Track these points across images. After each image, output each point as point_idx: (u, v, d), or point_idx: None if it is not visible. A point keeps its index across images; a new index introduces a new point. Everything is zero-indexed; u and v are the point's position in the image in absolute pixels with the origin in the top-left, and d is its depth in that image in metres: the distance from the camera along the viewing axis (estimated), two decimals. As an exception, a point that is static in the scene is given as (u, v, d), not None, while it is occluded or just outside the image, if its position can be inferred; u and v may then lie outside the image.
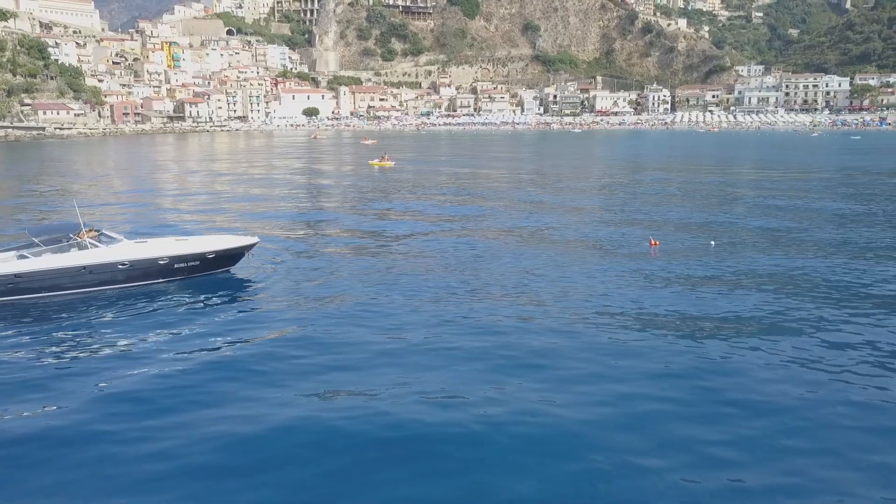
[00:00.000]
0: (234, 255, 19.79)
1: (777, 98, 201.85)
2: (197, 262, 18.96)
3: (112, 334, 14.62)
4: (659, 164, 64.38)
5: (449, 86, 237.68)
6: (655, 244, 22.40)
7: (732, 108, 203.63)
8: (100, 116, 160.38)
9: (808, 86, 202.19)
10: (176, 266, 18.64)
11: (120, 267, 17.89)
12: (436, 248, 23.09)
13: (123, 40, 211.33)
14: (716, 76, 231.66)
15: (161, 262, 18.39)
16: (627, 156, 78.46)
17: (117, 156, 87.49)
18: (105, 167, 67.66)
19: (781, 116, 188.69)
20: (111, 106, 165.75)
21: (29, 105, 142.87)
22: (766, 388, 11.21)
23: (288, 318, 15.58)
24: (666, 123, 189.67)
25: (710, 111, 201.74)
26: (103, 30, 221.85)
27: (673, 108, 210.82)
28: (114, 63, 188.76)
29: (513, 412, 10.43)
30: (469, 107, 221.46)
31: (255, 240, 20.30)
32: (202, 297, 17.43)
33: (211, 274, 19.34)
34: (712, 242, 22.57)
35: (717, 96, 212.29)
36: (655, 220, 28.67)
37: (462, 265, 20.46)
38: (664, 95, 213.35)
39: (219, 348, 13.70)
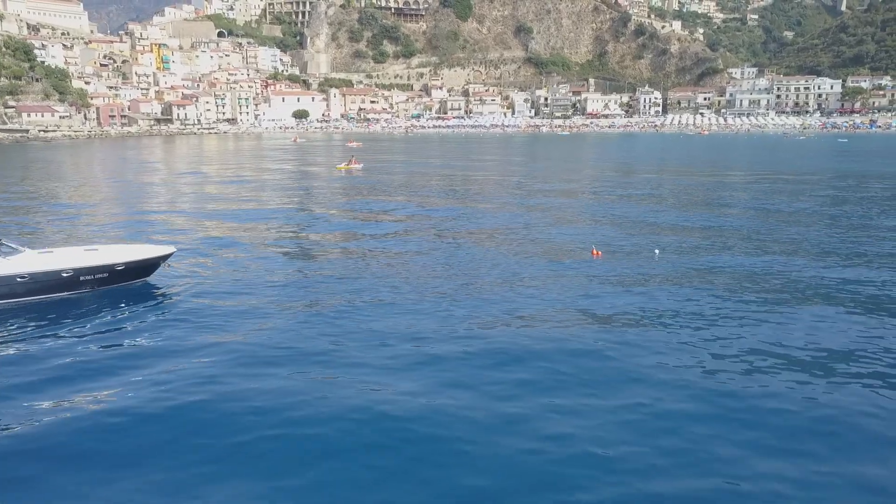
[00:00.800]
0: (147, 266, 18.85)
1: (768, 100, 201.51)
2: (105, 274, 18.02)
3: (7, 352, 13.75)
4: (646, 167, 63.52)
5: (441, 88, 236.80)
6: (598, 254, 21.50)
7: (723, 110, 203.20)
8: (85, 119, 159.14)
9: (799, 88, 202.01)
10: (82, 278, 17.69)
11: (19, 280, 16.92)
12: (372, 250, 22.19)
13: (112, 42, 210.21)
14: (708, 78, 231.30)
15: (65, 275, 17.42)
16: (613, 160, 77.64)
17: (95, 159, 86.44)
18: (80, 170, 66.62)
19: (772, 119, 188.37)
20: (97, 108, 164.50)
21: (13, 107, 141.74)
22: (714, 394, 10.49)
23: (199, 328, 14.87)
24: (656, 126, 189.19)
25: (700, 114, 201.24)
26: (92, 31, 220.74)
27: (664, 111, 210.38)
28: (101, 65, 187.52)
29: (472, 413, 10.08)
30: (460, 109, 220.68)
31: (171, 249, 19.38)
32: (107, 312, 16.45)
33: (124, 285, 18.40)
34: (656, 251, 21.67)
35: (709, 99, 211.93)
36: (610, 226, 27.79)
37: (389, 268, 19.54)
38: (656, 98, 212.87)
39: (115, 362, 12.94)
